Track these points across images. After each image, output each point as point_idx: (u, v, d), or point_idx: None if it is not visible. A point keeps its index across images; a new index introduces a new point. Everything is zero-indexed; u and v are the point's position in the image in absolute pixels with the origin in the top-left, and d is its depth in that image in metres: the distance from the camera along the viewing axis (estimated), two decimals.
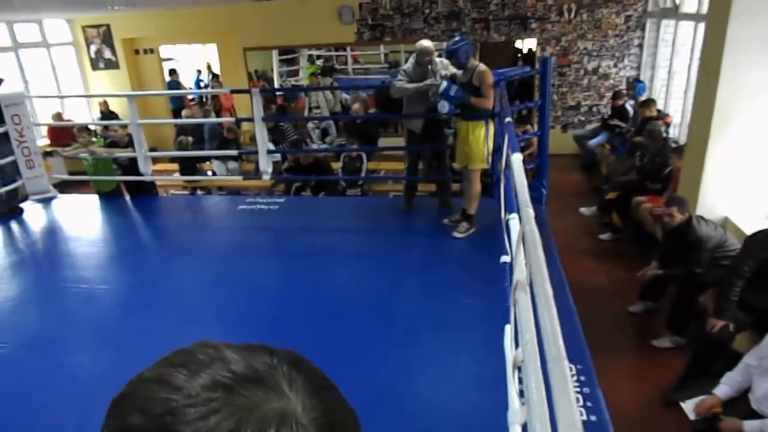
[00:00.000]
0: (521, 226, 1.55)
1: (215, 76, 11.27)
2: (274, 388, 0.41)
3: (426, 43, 4.32)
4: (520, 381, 2.09)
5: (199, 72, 12.20)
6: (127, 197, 5.58)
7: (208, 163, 7.19)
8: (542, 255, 1.25)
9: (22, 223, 5.11)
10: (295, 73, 10.94)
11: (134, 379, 0.44)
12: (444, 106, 4.00)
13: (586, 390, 2.51)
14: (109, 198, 5.71)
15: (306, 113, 9.32)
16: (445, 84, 3.92)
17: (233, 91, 6.18)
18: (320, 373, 0.47)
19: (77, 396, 2.64)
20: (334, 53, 12.24)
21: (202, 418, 0.38)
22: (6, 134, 5.08)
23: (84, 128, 5.55)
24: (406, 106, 4.52)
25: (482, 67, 3.89)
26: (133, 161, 5.21)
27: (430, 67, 4.30)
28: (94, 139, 6.17)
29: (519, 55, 10.35)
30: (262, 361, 0.44)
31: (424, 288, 3.62)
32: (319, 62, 11.88)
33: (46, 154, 6.01)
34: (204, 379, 0.41)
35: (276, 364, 0.44)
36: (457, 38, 3.93)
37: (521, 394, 2.09)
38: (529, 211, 1.49)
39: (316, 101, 9.07)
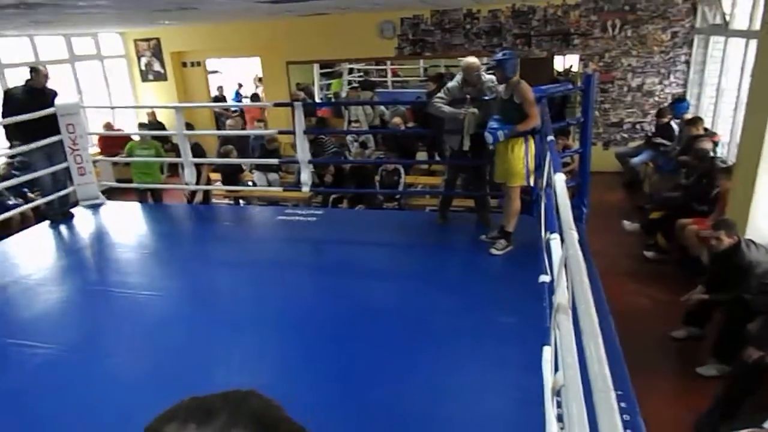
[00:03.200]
0: (564, 249, 1.53)
1: (255, 95, 11.54)
2: None
3: (471, 59, 4.34)
4: (558, 405, 2.06)
5: (240, 86, 12.52)
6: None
7: (249, 173, 7.35)
8: (587, 281, 1.24)
9: (72, 228, 5.32)
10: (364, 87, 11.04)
11: None
12: (488, 138, 3.95)
13: (626, 417, 2.44)
14: (154, 204, 5.92)
15: (345, 127, 9.43)
16: (495, 124, 3.89)
17: (276, 105, 6.30)
18: None
19: (117, 398, 2.73)
20: (374, 67, 12.41)
21: None
22: (60, 142, 5.32)
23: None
24: (447, 122, 4.53)
25: (523, 84, 3.87)
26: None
27: (479, 85, 4.30)
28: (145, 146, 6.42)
29: (555, 73, 10.19)
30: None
31: (460, 304, 3.58)
32: (356, 76, 12.06)
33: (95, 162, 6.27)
34: None
35: None
36: (506, 51, 3.93)
37: (559, 418, 2.05)
38: (573, 234, 1.47)
39: (356, 115, 9.17)
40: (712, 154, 5.70)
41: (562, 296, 1.59)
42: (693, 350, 4.08)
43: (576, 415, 1.12)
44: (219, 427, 0.45)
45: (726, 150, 6.34)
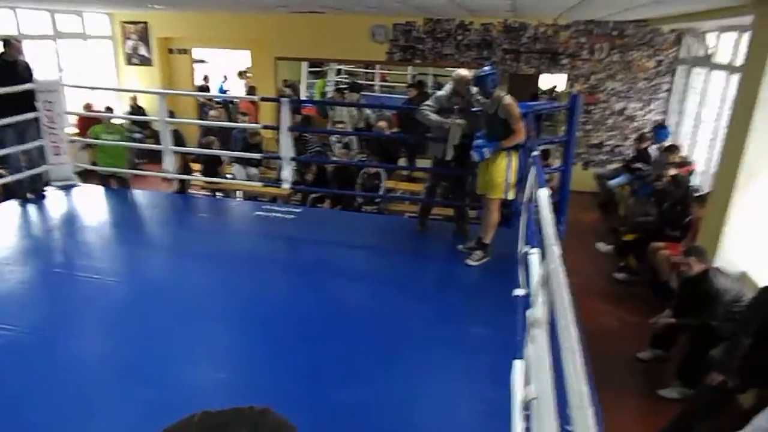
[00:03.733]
0: (545, 264, 1.53)
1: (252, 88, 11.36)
2: None
3: (463, 71, 4.38)
4: (526, 419, 2.06)
5: (225, 78, 12.36)
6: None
7: (228, 166, 7.25)
8: (568, 297, 1.24)
9: (42, 208, 5.17)
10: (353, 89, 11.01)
11: None
12: (474, 156, 3.98)
13: None
14: (127, 191, 5.79)
15: (329, 127, 9.40)
16: (481, 141, 3.91)
17: (263, 99, 6.24)
18: None
19: (77, 380, 2.68)
20: (362, 70, 12.41)
21: None
22: (36, 120, 5.17)
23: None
24: (432, 130, 4.54)
25: (508, 99, 3.89)
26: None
27: (468, 97, 4.33)
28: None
29: (538, 91, 10.32)
30: None
31: (433, 312, 3.58)
32: (343, 77, 12.02)
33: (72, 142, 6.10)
34: None
35: None
36: (486, 67, 3.96)
37: None
38: (555, 250, 1.47)
39: (341, 116, 9.15)
40: (686, 182, 5.83)
41: (538, 311, 1.59)
42: (658, 372, 4.15)
43: (547, 429, 1.12)
44: None
45: (701, 179, 6.49)
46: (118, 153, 6.16)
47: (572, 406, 0.85)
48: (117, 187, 6.15)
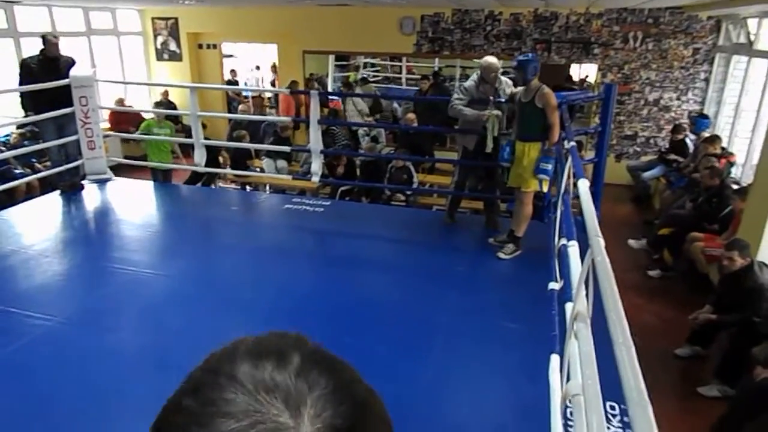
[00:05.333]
0: (589, 256, 1.49)
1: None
2: (287, 406, 0.40)
3: (491, 59, 4.28)
4: (564, 416, 2.02)
5: (258, 68, 12.35)
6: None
7: (258, 160, 7.31)
8: (616, 288, 1.19)
9: (80, 201, 5.29)
10: (365, 81, 11.03)
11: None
12: (542, 177, 3.89)
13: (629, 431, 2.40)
14: (163, 183, 5.88)
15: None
16: (549, 166, 3.81)
17: (292, 92, 6.25)
18: (347, 378, 0.45)
19: (114, 371, 2.73)
20: (389, 63, 12.34)
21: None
22: (72, 115, 5.28)
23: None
24: (462, 123, 4.48)
25: (546, 89, 3.82)
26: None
27: (497, 85, 4.25)
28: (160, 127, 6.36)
29: (569, 82, 10.11)
30: (275, 374, 0.41)
31: (465, 306, 3.54)
32: (370, 70, 11.99)
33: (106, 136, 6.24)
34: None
35: (291, 377, 0.41)
36: (528, 53, 3.89)
37: (565, 429, 2.01)
38: (600, 241, 1.42)
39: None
40: (725, 174, 5.64)
41: (581, 304, 1.54)
42: (696, 369, 4.03)
43: (596, 427, 1.08)
44: (295, 370, 0.42)
45: (741, 171, 6.28)
46: (166, 147, 6.29)
47: (631, 403, 0.82)
48: (162, 181, 6.25)
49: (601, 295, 1.23)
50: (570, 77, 10.23)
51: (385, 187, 6.16)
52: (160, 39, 10.34)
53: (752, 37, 6.60)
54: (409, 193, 6.18)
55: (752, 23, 6.61)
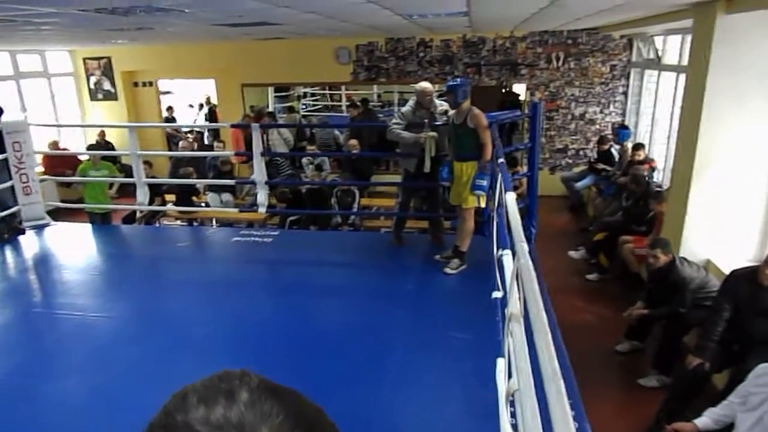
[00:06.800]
0: (516, 261, 1.65)
1: (212, 112, 11.39)
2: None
3: (425, 84, 4.51)
4: (512, 415, 2.16)
5: (202, 105, 12.23)
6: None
7: (202, 195, 7.27)
8: (537, 287, 1.35)
9: (17, 249, 5.12)
10: (290, 110, 11.23)
11: None
12: (479, 193, 4.06)
13: (575, 425, 2.57)
14: (102, 225, 5.76)
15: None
16: (484, 182, 3.98)
17: (233, 126, 6.30)
18: (295, 402, 0.47)
19: (66, 421, 2.68)
20: (328, 91, 12.57)
21: None
22: (5, 161, 5.14)
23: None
24: (402, 146, 4.67)
25: (476, 110, 4.05)
26: None
27: (432, 109, 4.46)
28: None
29: (506, 97, 10.66)
30: (227, 411, 0.44)
31: (415, 322, 3.67)
32: (310, 100, 12.17)
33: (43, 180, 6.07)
34: None
35: (242, 412, 0.43)
36: (457, 78, 4.11)
37: (514, 428, 2.15)
38: (524, 246, 1.59)
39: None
40: (648, 179, 6.08)
41: (514, 306, 1.70)
42: (636, 362, 4.30)
43: (530, 416, 1.22)
44: (245, 405, 0.44)
45: (661, 175, 6.77)
46: (103, 189, 6.15)
47: (545, 378, 0.95)
48: (100, 223, 6.11)
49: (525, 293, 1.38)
50: (517, 97, 10.79)
51: (333, 213, 6.27)
52: (93, 78, 10.16)
53: (660, 53, 7.20)
54: (353, 217, 6.31)
55: (659, 41, 7.22)
